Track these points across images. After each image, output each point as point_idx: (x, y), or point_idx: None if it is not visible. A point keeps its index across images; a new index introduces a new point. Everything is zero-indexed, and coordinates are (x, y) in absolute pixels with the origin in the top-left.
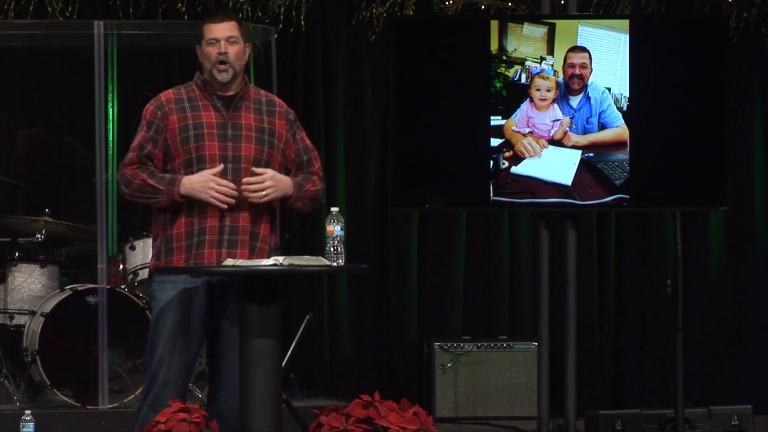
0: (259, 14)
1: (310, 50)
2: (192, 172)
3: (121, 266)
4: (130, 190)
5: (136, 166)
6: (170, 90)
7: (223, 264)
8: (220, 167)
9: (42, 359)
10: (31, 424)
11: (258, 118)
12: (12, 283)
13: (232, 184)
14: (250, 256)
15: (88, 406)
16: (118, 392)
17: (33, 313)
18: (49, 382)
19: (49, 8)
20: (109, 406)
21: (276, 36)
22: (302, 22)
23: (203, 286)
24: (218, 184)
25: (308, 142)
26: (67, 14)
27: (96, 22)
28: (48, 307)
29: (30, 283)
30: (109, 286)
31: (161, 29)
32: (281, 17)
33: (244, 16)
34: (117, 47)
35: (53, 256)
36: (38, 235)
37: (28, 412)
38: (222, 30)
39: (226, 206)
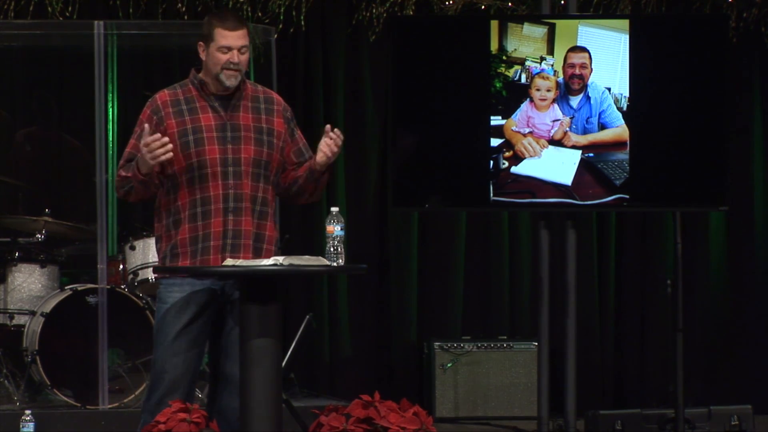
0: (259, 14)
1: (310, 50)
2: (193, 178)
3: (121, 266)
4: (118, 192)
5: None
6: (165, 91)
7: (223, 264)
8: (148, 130)
9: (42, 359)
10: (31, 424)
11: (256, 118)
12: (12, 283)
13: (157, 135)
14: (255, 258)
15: (88, 406)
16: (118, 392)
17: (33, 313)
18: (49, 382)
19: (49, 8)
20: (109, 406)
21: (276, 36)
22: (302, 22)
23: (209, 288)
24: (147, 145)
25: (304, 140)
26: (67, 14)
27: (96, 22)
28: (48, 307)
29: (30, 283)
30: (109, 286)
31: (161, 29)
32: (281, 17)
33: (244, 16)
34: (117, 47)
35: (53, 256)
36: (38, 235)
37: (28, 412)
38: (236, 39)
39: (168, 155)
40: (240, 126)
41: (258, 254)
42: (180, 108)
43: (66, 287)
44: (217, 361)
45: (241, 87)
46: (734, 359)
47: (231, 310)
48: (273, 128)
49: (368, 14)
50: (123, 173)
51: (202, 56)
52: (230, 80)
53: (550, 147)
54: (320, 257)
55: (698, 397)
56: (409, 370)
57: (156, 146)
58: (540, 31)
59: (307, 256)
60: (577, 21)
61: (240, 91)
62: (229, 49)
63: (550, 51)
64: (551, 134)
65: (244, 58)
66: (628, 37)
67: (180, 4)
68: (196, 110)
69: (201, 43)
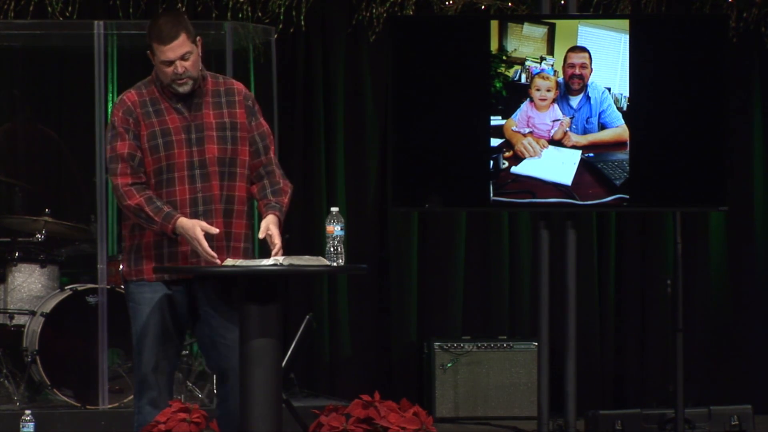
0: (259, 14)
1: (310, 50)
2: (162, 180)
3: (121, 266)
4: (125, 209)
5: (130, 181)
6: (132, 91)
7: (224, 264)
8: (215, 230)
9: (42, 359)
10: (31, 424)
11: (218, 113)
12: (12, 283)
13: (213, 254)
14: (229, 258)
15: (88, 406)
16: (118, 392)
17: (33, 313)
18: (49, 382)
19: (49, 8)
20: (109, 406)
21: (276, 36)
22: (302, 22)
23: (181, 287)
24: (202, 247)
25: (265, 127)
26: (67, 14)
27: (96, 22)
28: (48, 307)
29: (30, 283)
30: (109, 286)
31: None
32: (281, 17)
33: (244, 16)
34: (117, 47)
35: (53, 256)
36: (38, 235)
37: (28, 412)
38: (174, 50)
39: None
40: (203, 125)
41: (234, 254)
42: (147, 110)
43: (66, 287)
44: (219, 366)
45: (202, 84)
46: (734, 359)
47: (210, 312)
48: (236, 121)
49: (368, 14)
50: (147, 210)
51: (156, 67)
52: (183, 88)
53: (550, 147)
54: (320, 257)
55: (698, 397)
56: (409, 370)
57: (205, 257)
58: (540, 31)
59: (307, 256)
60: (577, 21)
61: (201, 88)
62: (171, 62)
63: (550, 51)
64: (551, 134)
65: (190, 63)
66: (628, 37)
67: (180, 4)
68: (161, 112)
69: (149, 52)
